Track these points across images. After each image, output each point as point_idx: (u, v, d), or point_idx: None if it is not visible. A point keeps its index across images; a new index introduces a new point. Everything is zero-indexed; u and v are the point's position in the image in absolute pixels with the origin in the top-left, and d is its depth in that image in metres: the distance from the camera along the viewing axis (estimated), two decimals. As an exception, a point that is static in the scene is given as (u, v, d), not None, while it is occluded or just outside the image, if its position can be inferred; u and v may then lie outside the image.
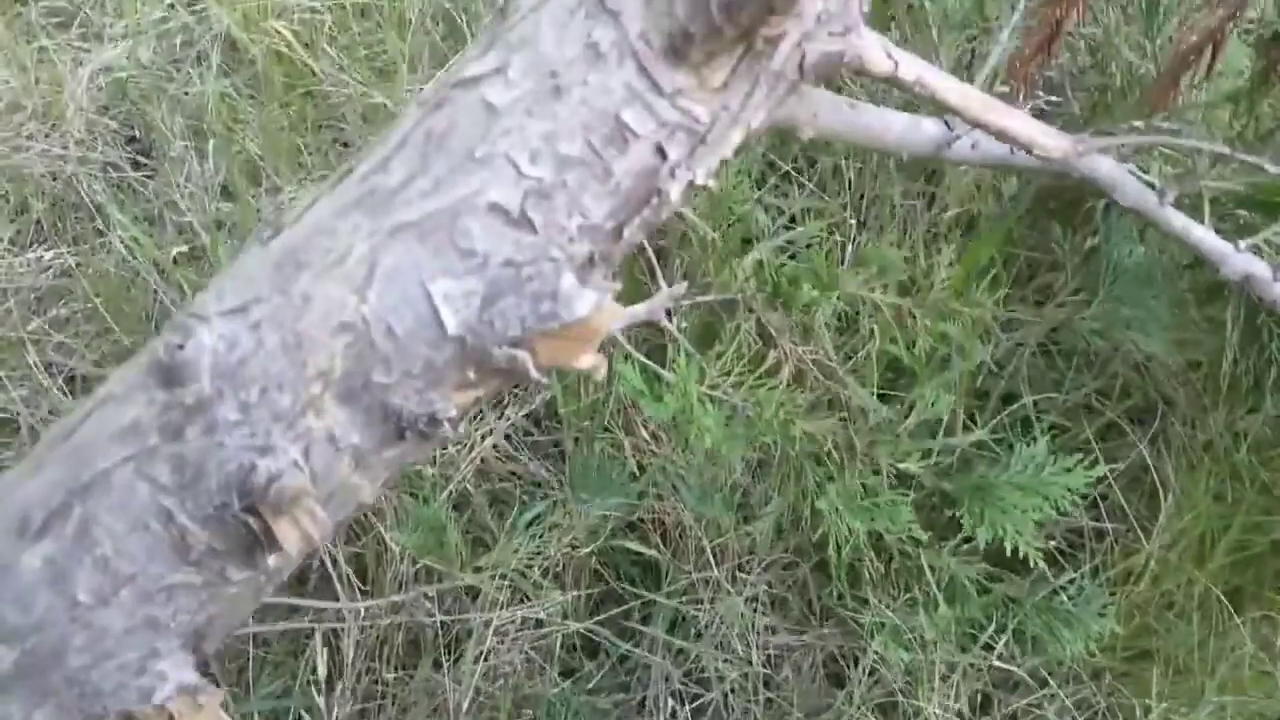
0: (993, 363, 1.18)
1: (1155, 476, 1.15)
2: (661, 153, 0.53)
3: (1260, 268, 0.76)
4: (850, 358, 1.14)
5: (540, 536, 1.13)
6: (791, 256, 1.22)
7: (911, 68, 0.59)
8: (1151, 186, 0.68)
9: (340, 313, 0.51)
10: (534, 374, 0.53)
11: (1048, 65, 0.66)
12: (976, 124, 0.62)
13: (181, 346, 0.51)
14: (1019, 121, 0.63)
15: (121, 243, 1.34)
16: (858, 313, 1.07)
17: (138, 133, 1.55)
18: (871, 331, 1.10)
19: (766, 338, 1.02)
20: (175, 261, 1.28)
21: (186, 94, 1.55)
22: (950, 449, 1.11)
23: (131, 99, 1.55)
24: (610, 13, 0.50)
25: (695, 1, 0.47)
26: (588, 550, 1.16)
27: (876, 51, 0.59)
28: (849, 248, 1.15)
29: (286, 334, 0.51)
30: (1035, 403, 1.18)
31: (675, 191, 0.55)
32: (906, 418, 1.08)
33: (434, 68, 1.44)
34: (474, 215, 0.52)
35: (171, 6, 1.63)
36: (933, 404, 0.90)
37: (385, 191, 0.52)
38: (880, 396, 1.14)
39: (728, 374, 0.97)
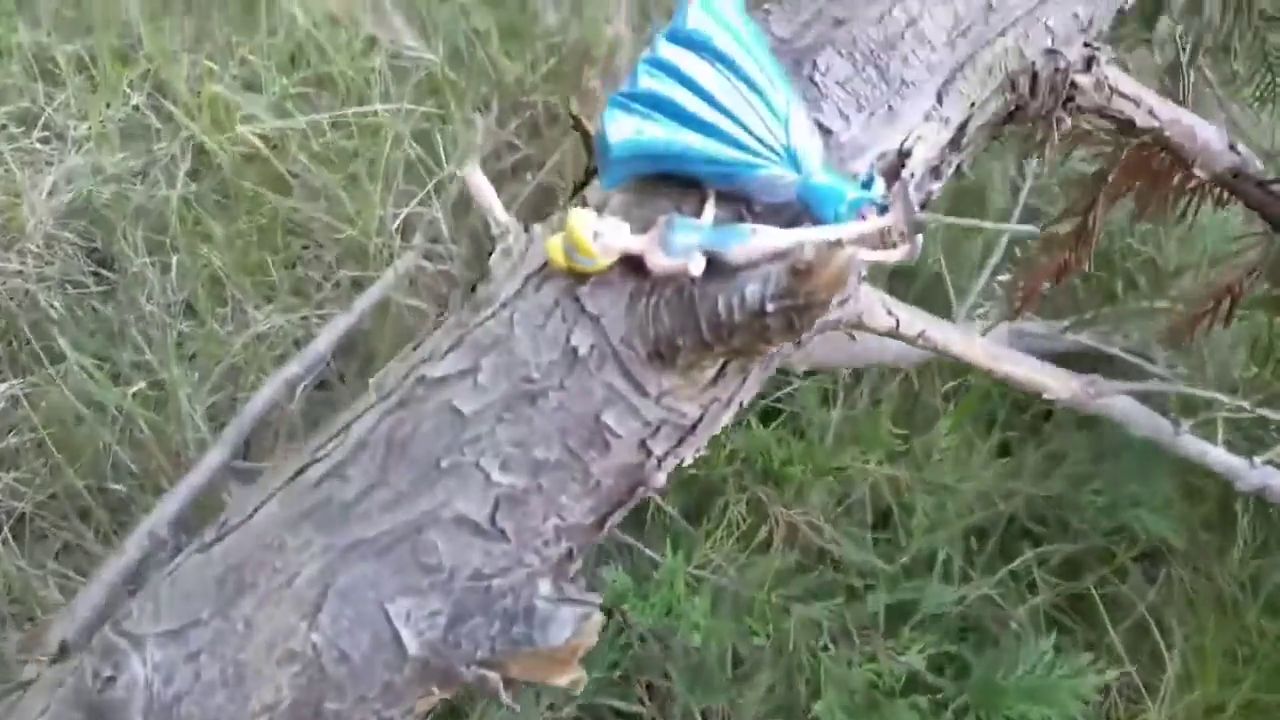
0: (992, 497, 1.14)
1: (1158, 631, 1.11)
2: (646, 449, 0.48)
3: (1278, 480, 0.72)
4: (843, 500, 1.10)
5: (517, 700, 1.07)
6: (786, 397, 1.17)
7: (914, 323, 0.55)
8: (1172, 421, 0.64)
9: (288, 640, 0.46)
10: (504, 697, 0.48)
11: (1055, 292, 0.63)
12: (984, 370, 0.58)
13: (112, 678, 0.46)
14: (1026, 369, 0.58)
15: (76, 372, 1.28)
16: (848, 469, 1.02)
17: (100, 244, 1.49)
18: (864, 473, 1.06)
19: (758, 502, 0.97)
20: (133, 397, 1.22)
21: (152, 198, 1.49)
22: (944, 608, 1.07)
23: (95, 207, 1.49)
24: (590, 316, 0.45)
25: (683, 318, 0.43)
26: (568, 709, 1.10)
27: (876, 309, 0.54)
28: (839, 395, 1.10)
29: (227, 665, 0.46)
30: (1037, 544, 1.14)
31: (661, 479, 0.51)
32: (902, 571, 1.04)
33: (409, 183, 1.39)
34: (439, 528, 0.46)
35: (136, 108, 1.58)
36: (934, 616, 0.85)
37: (341, 504, 0.47)
38: (874, 540, 1.09)
39: (717, 545, 0.92)
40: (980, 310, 0.81)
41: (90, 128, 1.57)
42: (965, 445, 0.98)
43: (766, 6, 0.46)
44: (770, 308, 0.40)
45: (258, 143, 1.49)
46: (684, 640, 1.00)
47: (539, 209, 1.38)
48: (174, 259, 1.41)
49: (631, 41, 1.37)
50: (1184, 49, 0.83)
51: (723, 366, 0.47)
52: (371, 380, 0.50)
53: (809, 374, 1.09)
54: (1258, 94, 0.88)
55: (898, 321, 0.54)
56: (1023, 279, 0.59)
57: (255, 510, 0.49)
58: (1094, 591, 1.15)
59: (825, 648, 0.87)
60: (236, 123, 1.50)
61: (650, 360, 0.46)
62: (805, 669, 0.96)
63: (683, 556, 0.88)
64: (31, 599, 1.16)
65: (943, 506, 0.96)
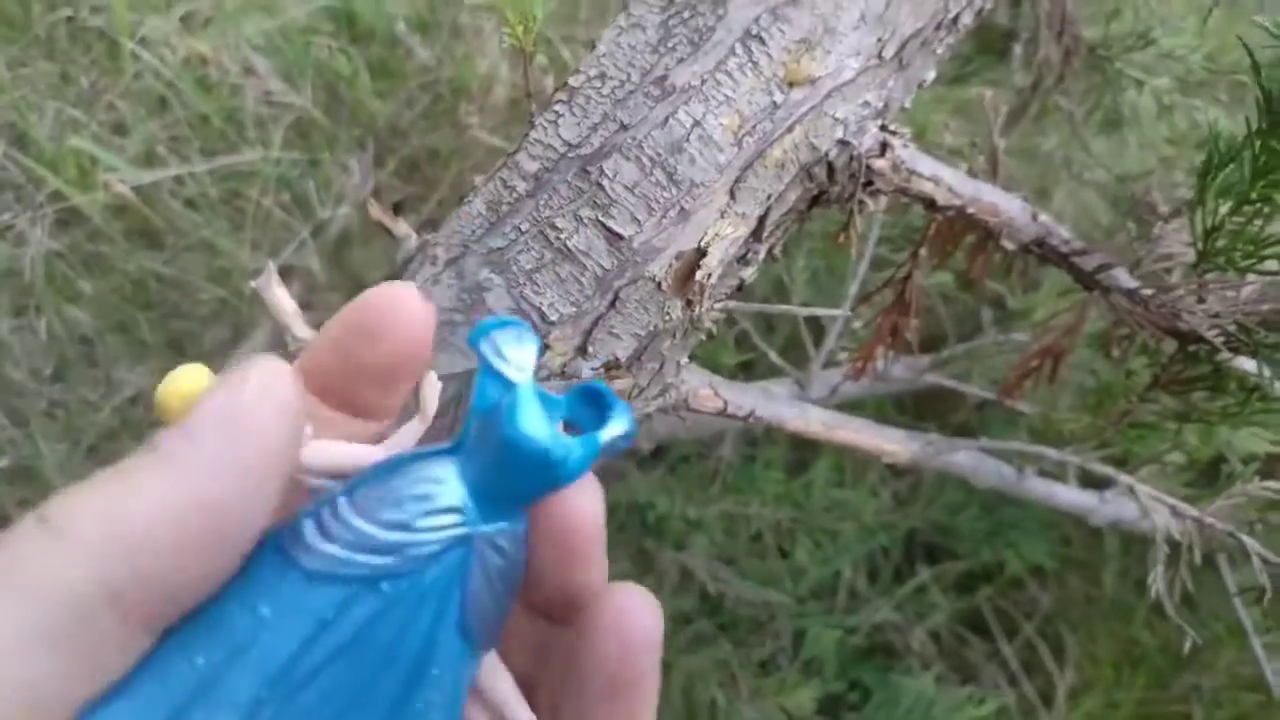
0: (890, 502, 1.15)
1: (1052, 643, 1.13)
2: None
3: (1129, 510, 0.73)
4: (734, 536, 1.09)
5: None
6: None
7: (742, 403, 0.54)
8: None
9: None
10: None
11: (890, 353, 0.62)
12: (824, 441, 0.57)
13: None
14: (865, 435, 0.58)
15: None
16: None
17: (-38, 307, 1.42)
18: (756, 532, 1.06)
19: (641, 553, 0.96)
20: (-2, 476, 1.17)
21: (15, 256, 1.43)
22: (854, 608, 1.07)
23: (-47, 267, 1.42)
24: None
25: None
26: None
27: (702, 392, 0.53)
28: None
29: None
30: (933, 563, 1.15)
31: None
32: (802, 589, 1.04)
33: (284, 230, 1.35)
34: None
35: (-3, 163, 1.51)
36: (816, 640, 0.85)
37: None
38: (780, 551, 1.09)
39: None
40: (844, 354, 0.81)
41: (-54, 184, 1.50)
42: (849, 483, 0.99)
43: (556, 108, 0.45)
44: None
45: (126, 192, 1.43)
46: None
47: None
48: (41, 321, 1.35)
49: (507, 76, 1.35)
50: (1030, 86, 0.84)
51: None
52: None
53: (655, 451, 1.08)
54: (1101, 122, 0.90)
55: (725, 403, 0.54)
56: (858, 351, 0.59)
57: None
58: (987, 609, 1.17)
59: (714, 701, 0.87)
60: (101, 173, 1.45)
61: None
62: (698, 717, 0.96)
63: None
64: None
65: (831, 541, 0.96)
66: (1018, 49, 0.89)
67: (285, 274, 1.32)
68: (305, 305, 1.40)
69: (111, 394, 1.26)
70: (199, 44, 1.49)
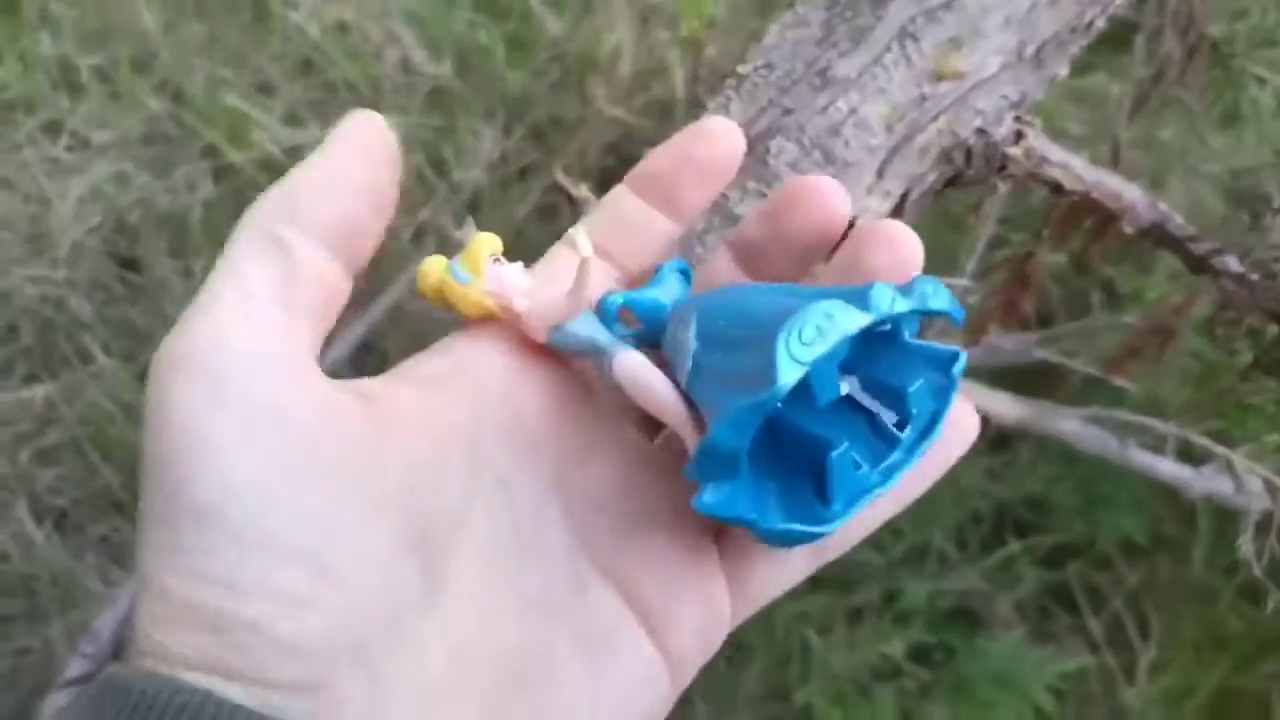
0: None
1: (1136, 619, 1.17)
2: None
3: (1223, 484, 0.77)
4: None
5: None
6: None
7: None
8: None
9: None
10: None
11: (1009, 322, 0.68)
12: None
13: None
14: (975, 396, 0.64)
15: (108, 373, 1.36)
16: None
17: (125, 249, 1.56)
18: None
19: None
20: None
21: (173, 204, 1.56)
22: (942, 574, 1.13)
23: (119, 211, 1.56)
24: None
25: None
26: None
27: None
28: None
29: None
30: (1023, 537, 1.20)
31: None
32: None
33: (420, 191, 1.45)
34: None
35: (155, 117, 1.64)
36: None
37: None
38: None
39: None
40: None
41: (112, 135, 1.64)
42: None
43: (727, 92, 0.51)
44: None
45: (274, 150, 1.55)
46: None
47: (550, 212, 1.44)
48: (197, 264, 1.48)
49: (632, 51, 1.42)
50: (1151, 79, 0.87)
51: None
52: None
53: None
54: (1220, 116, 0.92)
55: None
56: (976, 317, 0.65)
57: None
58: (1074, 582, 1.21)
59: (804, 641, 0.93)
60: (251, 130, 1.56)
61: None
62: (796, 657, 1.03)
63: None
64: (75, 589, 1.24)
65: (929, 506, 1.02)
66: (1139, 41, 0.92)
67: (422, 231, 1.42)
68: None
69: (260, 334, 1.37)
70: (344, 10, 1.59)
